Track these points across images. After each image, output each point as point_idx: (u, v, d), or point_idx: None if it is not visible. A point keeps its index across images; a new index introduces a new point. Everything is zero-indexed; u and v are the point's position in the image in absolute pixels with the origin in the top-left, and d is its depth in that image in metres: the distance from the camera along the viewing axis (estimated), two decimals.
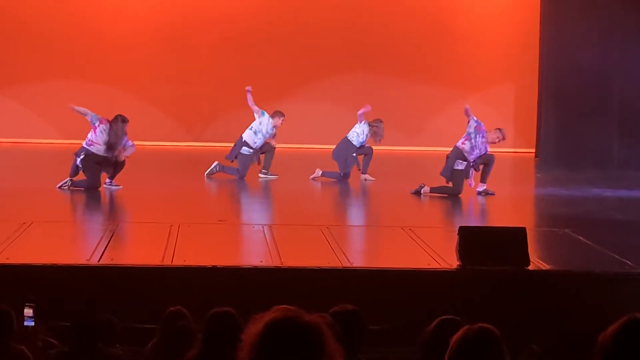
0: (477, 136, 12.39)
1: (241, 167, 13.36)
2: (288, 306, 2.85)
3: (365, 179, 13.38)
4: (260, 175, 13.46)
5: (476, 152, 12.39)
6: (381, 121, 13.58)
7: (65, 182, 11.82)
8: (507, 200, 12.94)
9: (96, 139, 11.89)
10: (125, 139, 12.02)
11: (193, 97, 17.37)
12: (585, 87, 16.27)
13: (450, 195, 12.24)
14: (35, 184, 12.54)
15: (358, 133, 13.47)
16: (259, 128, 13.44)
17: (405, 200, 12.22)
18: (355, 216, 12.01)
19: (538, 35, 17.05)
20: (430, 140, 17.02)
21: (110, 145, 11.85)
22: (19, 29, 17.10)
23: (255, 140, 13.41)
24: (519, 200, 13.15)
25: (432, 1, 17.56)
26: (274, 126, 13.51)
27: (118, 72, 17.10)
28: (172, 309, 5.98)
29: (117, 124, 11.95)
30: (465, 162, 12.35)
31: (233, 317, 5.39)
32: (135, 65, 17.21)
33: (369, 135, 13.47)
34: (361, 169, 13.48)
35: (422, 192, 12.22)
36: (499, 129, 12.72)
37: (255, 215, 11.61)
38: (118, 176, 12.02)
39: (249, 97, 13.48)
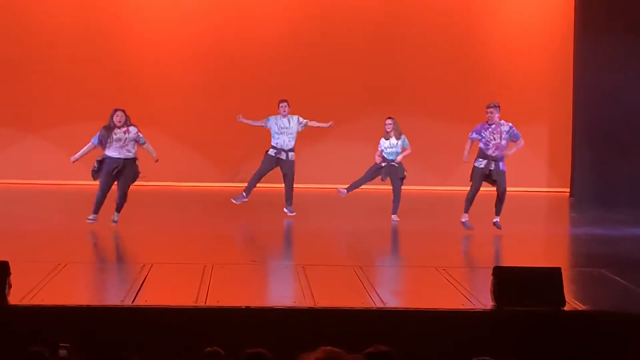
0: (482, 132, 12.34)
1: (261, 166, 13.39)
2: (333, 348, 2.86)
3: (394, 220, 13.34)
4: (285, 210, 13.49)
5: (491, 145, 12.31)
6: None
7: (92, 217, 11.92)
8: (542, 240, 12.85)
9: (105, 150, 11.98)
10: (136, 130, 12.01)
11: (226, 138, 17.47)
12: (619, 126, 16.20)
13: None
14: (69, 225, 12.62)
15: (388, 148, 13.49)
16: (276, 130, 13.44)
17: (439, 241, 12.16)
18: (389, 256, 11.97)
19: (572, 73, 17.02)
20: (463, 180, 16.91)
21: (105, 129, 11.96)
22: (54, 71, 17.32)
23: (277, 141, 13.40)
24: (554, 240, 13.05)
25: (465, 41, 17.59)
26: (282, 115, 13.45)
27: (152, 114, 17.22)
28: (208, 349, 5.97)
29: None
30: (486, 160, 12.29)
31: (267, 358, 5.37)
32: (169, 107, 17.35)
33: (392, 141, 13.41)
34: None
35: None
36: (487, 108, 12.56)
37: (288, 256, 11.60)
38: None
39: (247, 122, 13.52)
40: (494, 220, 12.40)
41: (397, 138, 13.48)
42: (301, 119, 13.54)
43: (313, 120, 13.77)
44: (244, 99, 17.39)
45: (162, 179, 16.78)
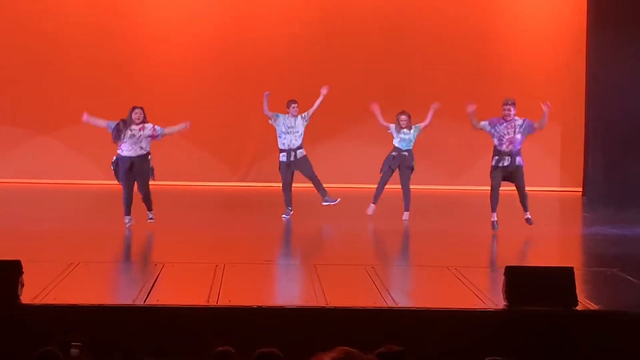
0: (496, 126, 12.34)
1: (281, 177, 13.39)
2: (348, 348, 2.86)
3: (405, 219, 13.31)
4: (323, 204, 13.47)
5: (504, 140, 12.30)
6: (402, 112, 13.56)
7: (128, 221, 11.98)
8: (554, 239, 12.82)
9: (119, 146, 12.06)
10: (151, 127, 12.10)
11: (238, 138, 17.49)
12: (632, 125, 16.14)
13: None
14: (81, 225, 12.65)
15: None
16: (283, 130, 13.41)
17: (451, 240, 12.15)
18: (401, 256, 11.96)
19: (584, 72, 16.96)
20: (475, 180, 16.92)
21: (122, 123, 12.06)
22: (66, 71, 17.35)
23: (284, 142, 13.40)
24: (566, 239, 13.02)
25: (476, 40, 17.54)
26: (292, 115, 13.43)
27: (163, 113, 17.18)
28: (220, 348, 5.97)
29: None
30: (499, 157, 12.29)
31: (278, 358, 5.37)
32: (180, 107, 17.34)
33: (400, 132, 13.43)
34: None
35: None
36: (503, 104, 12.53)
37: (300, 255, 11.60)
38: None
39: (264, 102, 13.42)
40: (525, 217, 12.38)
41: (409, 129, 13.49)
42: (304, 114, 13.49)
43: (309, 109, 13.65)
44: (254, 98, 17.35)
45: (173, 179, 16.80)
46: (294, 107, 13.42)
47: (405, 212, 13.36)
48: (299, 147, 13.43)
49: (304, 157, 13.44)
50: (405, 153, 13.46)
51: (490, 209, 12.37)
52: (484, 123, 12.49)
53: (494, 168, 12.41)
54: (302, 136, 13.41)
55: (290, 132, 13.35)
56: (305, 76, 17.40)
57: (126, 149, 12.03)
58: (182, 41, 17.50)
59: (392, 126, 13.55)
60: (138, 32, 17.49)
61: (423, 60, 17.57)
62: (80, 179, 17.02)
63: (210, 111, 17.46)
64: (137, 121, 12.11)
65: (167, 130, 12.36)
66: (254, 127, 17.13)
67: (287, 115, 13.40)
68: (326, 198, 13.46)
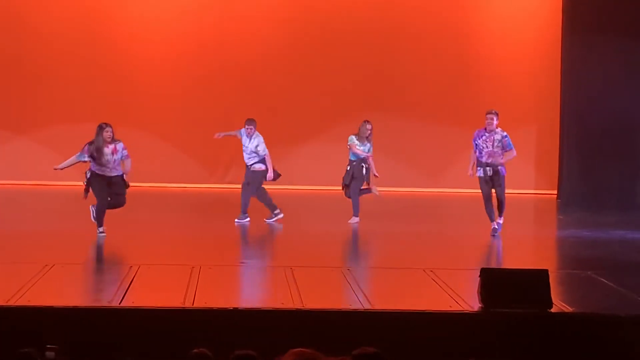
0: (476, 140, 12.40)
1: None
2: (304, 349, 2.83)
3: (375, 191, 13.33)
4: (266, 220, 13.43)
5: (484, 153, 12.36)
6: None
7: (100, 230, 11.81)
8: (529, 242, 12.88)
9: (92, 164, 11.74)
10: (121, 147, 11.76)
11: (215, 140, 17.42)
12: (607, 129, 16.24)
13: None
14: (57, 226, 12.60)
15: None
16: (248, 146, 13.43)
17: (427, 242, 12.19)
18: (376, 258, 11.98)
19: (559, 76, 17.06)
20: (451, 182, 17.00)
21: (95, 149, 11.60)
22: (45, 72, 17.29)
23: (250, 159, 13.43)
24: (541, 242, 13.08)
25: (453, 43, 17.61)
26: (248, 135, 13.43)
27: (142, 116, 17.23)
28: (196, 350, 5.96)
29: (97, 132, 11.73)
30: (482, 168, 12.35)
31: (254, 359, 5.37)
32: (159, 109, 17.35)
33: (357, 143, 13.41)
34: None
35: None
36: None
37: (276, 257, 11.60)
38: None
39: (227, 134, 13.59)
40: (497, 220, 12.43)
41: (369, 142, 13.42)
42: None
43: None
44: (233, 100, 17.39)
45: (149, 180, 16.78)
46: (248, 128, 13.44)
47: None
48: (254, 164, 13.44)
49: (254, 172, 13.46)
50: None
51: (489, 219, 12.39)
52: (474, 144, 12.50)
53: (480, 179, 12.43)
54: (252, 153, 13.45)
55: (253, 149, 13.38)
56: (287, 78, 17.43)
57: (101, 172, 11.78)
58: (162, 42, 17.47)
59: (354, 139, 13.46)
60: (117, 33, 17.44)
61: (404, 64, 17.60)
62: (56, 181, 16.94)
63: (189, 113, 17.44)
64: (108, 139, 11.67)
65: (127, 163, 11.84)
66: (232, 129, 17.08)
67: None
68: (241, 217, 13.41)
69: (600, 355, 7.76)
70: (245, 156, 13.50)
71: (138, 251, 11.47)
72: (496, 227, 12.37)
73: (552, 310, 8.09)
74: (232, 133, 13.83)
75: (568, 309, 8.25)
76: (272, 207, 13.33)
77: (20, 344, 5.91)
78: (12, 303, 7.91)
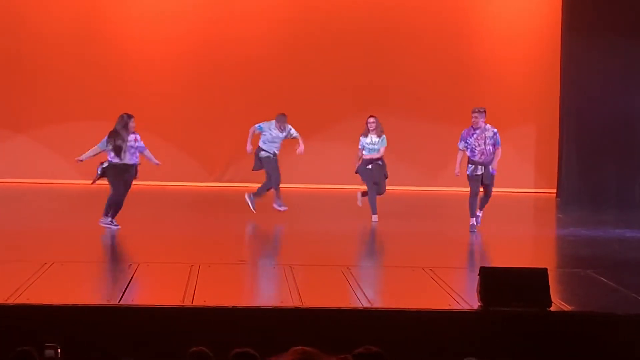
0: (467, 139, 12.39)
1: (271, 171, 13.42)
2: (305, 348, 2.82)
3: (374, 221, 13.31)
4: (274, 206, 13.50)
5: (476, 152, 12.36)
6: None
7: (109, 222, 11.87)
8: (528, 241, 12.88)
9: (110, 154, 11.94)
10: (136, 138, 12.02)
11: (214, 138, 17.47)
12: (606, 127, 16.25)
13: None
14: (56, 225, 12.59)
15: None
16: (269, 138, 13.51)
17: (426, 241, 12.19)
18: (376, 257, 11.99)
19: (559, 75, 17.06)
20: (450, 181, 16.96)
21: (116, 138, 11.89)
22: (44, 71, 17.27)
23: (272, 148, 13.53)
24: (540, 241, 13.09)
25: (453, 43, 17.60)
26: (279, 127, 13.53)
27: (141, 114, 17.10)
28: (194, 349, 5.96)
29: (120, 122, 12.03)
30: (473, 166, 12.35)
31: (254, 358, 5.37)
32: (157, 107, 17.32)
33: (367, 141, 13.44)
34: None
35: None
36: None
37: (275, 256, 11.60)
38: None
39: (250, 139, 13.75)
40: (477, 213, 12.45)
41: (379, 136, 13.43)
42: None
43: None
44: (232, 98, 17.40)
45: (149, 179, 16.75)
46: (280, 124, 13.66)
47: (375, 215, 13.36)
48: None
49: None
50: (380, 163, 13.44)
51: (470, 214, 12.40)
52: (460, 147, 12.49)
53: (469, 176, 12.44)
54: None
55: (280, 138, 13.59)
56: (286, 77, 17.43)
57: (121, 161, 11.94)
58: (160, 40, 17.45)
59: (362, 138, 13.49)
60: (116, 31, 17.43)
61: (401, 62, 17.59)
62: (55, 179, 16.95)
63: (187, 111, 17.44)
64: (132, 129, 12.07)
65: (148, 153, 12.30)
66: (231, 128, 17.11)
67: (273, 124, 13.60)
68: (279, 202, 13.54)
69: (599, 354, 7.76)
70: (277, 146, 13.59)
71: (137, 249, 11.48)
72: (474, 222, 12.35)
73: (552, 308, 8.09)
74: (250, 134, 13.79)
75: (567, 307, 8.25)
76: (260, 192, 13.49)
77: (19, 342, 5.91)
78: (11, 301, 7.90)
